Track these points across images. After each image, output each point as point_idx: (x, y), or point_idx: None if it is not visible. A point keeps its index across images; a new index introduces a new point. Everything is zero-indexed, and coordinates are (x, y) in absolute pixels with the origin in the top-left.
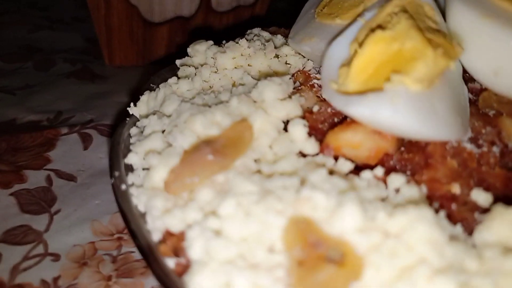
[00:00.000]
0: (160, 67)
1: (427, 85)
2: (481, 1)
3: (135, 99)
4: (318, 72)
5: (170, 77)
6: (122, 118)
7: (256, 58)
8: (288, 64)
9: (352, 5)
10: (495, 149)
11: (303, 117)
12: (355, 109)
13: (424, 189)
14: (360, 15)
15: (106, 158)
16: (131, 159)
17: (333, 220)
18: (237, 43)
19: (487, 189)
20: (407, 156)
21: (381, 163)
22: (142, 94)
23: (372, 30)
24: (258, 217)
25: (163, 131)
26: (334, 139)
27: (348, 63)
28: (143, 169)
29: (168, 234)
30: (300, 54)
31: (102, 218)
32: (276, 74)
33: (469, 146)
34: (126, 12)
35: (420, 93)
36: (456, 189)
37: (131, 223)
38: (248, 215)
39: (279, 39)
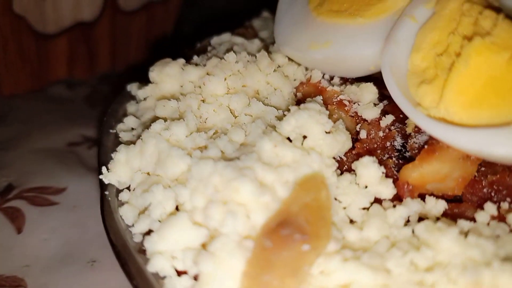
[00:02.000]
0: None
1: None
2: None
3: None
4: (331, 83)
5: (132, 116)
6: (54, 176)
7: (252, 76)
8: (285, 76)
9: None
10: None
11: (352, 148)
12: (465, 141)
13: None
14: (393, 12)
15: (53, 239)
16: (156, 265)
17: None
18: (221, 58)
19: None
20: (495, 178)
21: (470, 192)
22: (103, 148)
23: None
24: None
25: (177, 207)
26: (417, 175)
27: (430, 80)
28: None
29: None
30: (292, 61)
31: None
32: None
33: None
34: (11, 26)
35: None
36: None
37: None
38: None
39: (256, 44)
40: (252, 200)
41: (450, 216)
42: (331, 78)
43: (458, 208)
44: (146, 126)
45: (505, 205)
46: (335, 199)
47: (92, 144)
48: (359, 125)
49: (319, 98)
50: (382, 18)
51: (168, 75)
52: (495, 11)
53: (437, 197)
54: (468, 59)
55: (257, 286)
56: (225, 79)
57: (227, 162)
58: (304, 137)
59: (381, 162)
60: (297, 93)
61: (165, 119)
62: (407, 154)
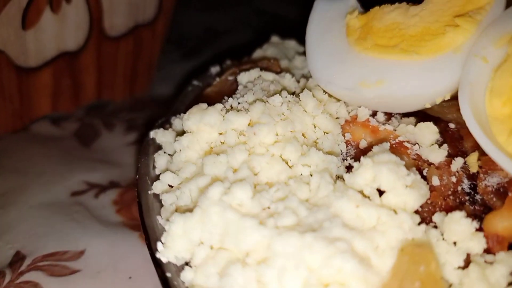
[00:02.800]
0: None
1: None
2: None
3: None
4: (376, 119)
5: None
6: (68, 237)
7: (298, 119)
8: (332, 115)
9: (428, 34)
10: None
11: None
12: None
13: None
14: (452, 48)
15: None
16: None
17: None
18: (266, 101)
19: None
20: None
21: None
22: (148, 214)
23: None
24: None
25: None
26: (507, 225)
27: None
28: None
29: None
30: (331, 96)
31: None
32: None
33: None
34: None
35: None
36: None
37: None
38: None
39: (288, 79)
40: (356, 278)
41: None
42: (374, 113)
43: None
44: (199, 190)
45: None
46: None
47: (98, 191)
48: (426, 170)
49: (387, 145)
50: (440, 55)
51: (208, 125)
52: None
53: None
54: None
55: None
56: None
57: (315, 234)
58: (379, 191)
59: (456, 209)
60: (345, 134)
61: (216, 179)
62: (478, 197)
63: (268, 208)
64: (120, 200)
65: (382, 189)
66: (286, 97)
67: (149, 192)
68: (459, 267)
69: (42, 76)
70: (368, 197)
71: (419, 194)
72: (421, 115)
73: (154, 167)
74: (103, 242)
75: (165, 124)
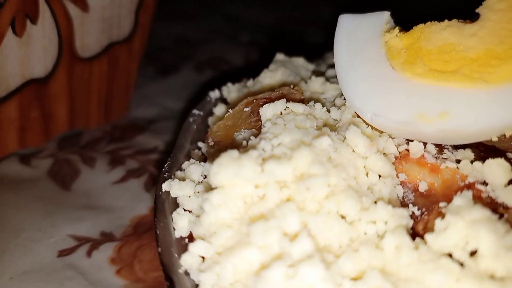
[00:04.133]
0: None
1: None
2: None
3: None
4: (435, 156)
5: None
6: None
7: (352, 163)
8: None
9: (495, 58)
10: None
11: None
12: None
13: None
14: None
15: None
16: None
17: None
18: (309, 144)
19: None
20: None
21: None
22: None
23: None
24: None
25: None
26: None
27: None
28: None
29: None
30: (376, 130)
31: None
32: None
33: None
34: None
35: None
36: None
37: None
38: None
39: (319, 110)
40: None
41: None
42: (424, 144)
43: None
44: (249, 268)
45: None
46: None
47: (89, 247)
48: (506, 216)
49: (469, 194)
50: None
51: (245, 179)
52: None
53: None
54: None
55: None
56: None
57: None
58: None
59: None
60: (398, 174)
61: (265, 250)
62: None
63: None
64: (118, 258)
65: (480, 253)
66: (329, 135)
67: (180, 270)
68: None
69: (6, 109)
70: (461, 264)
71: None
72: (479, 148)
73: (173, 229)
74: None
75: (172, 169)
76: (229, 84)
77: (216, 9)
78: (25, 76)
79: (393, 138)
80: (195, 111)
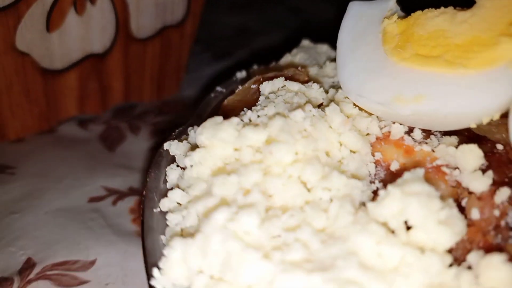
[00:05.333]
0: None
1: None
2: None
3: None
4: (412, 137)
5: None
6: (80, 246)
7: (322, 137)
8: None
9: (478, 45)
10: None
11: None
12: None
13: None
14: (506, 62)
15: None
16: None
17: None
18: (287, 116)
19: None
20: None
21: None
22: (150, 234)
23: None
24: None
25: None
26: None
27: None
28: None
29: None
30: (365, 111)
31: None
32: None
33: None
34: (15, 65)
35: None
36: None
37: None
38: None
39: (316, 90)
40: None
41: None
42: (411, 130)
43: None
44: (205, 213)
45: None
46: None
47: (116, 197)
48: (465, 199)
49: (421, 172)
50: (491, 69)
51: (222, 140)
52: None
53: None
54: None
55: None
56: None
57: (324, 274)
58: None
59: (496, 248)
60: (375, 153)
61: (224, 201)
62: None
63: (279, 236)
64: (137, 209)
65: (410, 224)
66: (310, 111)
67: (155, 210)
68: None
69: (68, 79)
70: (393, 232)
71: (453, 232)
72: (465, 134)
73: (165, 181)
74: (115, 253)
75: (182, 134)
76: (255, 66)
77: (281, 1)
78: (85, 51)
79: (382, 120)
80: (218, 88)
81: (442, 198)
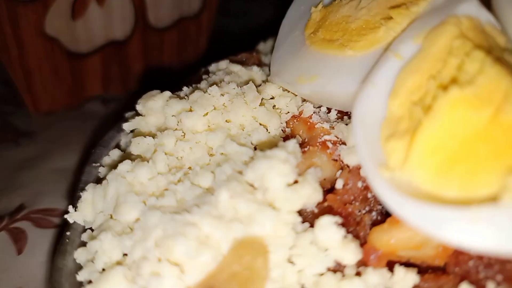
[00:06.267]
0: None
1: None
2: None
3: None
4: (328, 116)
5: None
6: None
7: (236, 110)
8: (278, 109)
9: (366, 28)
10: None
11: (324, 200)
12: (422, 222)
13: None
14: (387, 47)
15: (49, 262)
16: None
17: None
18: (205, 91)
19: None
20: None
21: (454, 262)
22: (80, 183)
23: (432, 80)
24: None
25: (121, 259)
26: (385, 240)
27: (401, 134)
28: None
29: None
30: (288, 91)
31: None
32: (265, 127)
33: None
34: (45, 48)
35: None
36: None
37: None
38: None
39: (256, 72)
40: (187, 261)
41: None
42: (329, 110)
43: (436, 281)
44: (114, 165)
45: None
46: (290, 261)
47: None
48: (340, 171)
49: (293, 142)
50: (372, 51)
51: (151, 109)
52: (485, 50)
53: (416, 266)
54: (439, 115)
55: None
56: (206, 114)
57: (173, 215)
58: None
59: (352, 215)
60: (287, 128)
61: (140, 157)
62: (379, 207)
63: (167, 189)
64: None
65: (265, 185)
66: (234, 88)
67: (94, 164)
68: (320, 274)
69: (92, 62)
70: (256, 189)
71: (298, 195)
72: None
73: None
74: None
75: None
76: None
77: None
78: (107, 37)
79: (307, 101)
80: None
81: (324, 168)
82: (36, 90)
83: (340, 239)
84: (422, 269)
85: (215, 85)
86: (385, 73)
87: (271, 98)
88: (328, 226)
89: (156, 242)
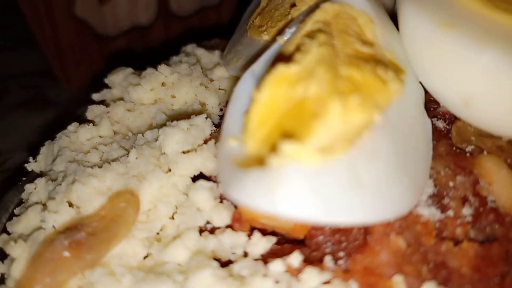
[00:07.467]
0: None
1: (339, 150)
2: (442, 3)
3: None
4: None
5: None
6: None
7: (181, 87)
8: (222, 89)
9: (282, 15)
10: (467, 211)
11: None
12: (232, 191)
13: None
14: (281, 31)
15: None
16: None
17: None
18: (156, 69)
19: (447, 279)
20: (342, 228)
21: (308, 236)
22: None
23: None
24: None
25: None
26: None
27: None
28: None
29: None
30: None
31: None
32: (203, 106)
33: (427, 212)
34: (76, 29)
35: (325, 166)
36: (399, 286)
37: None
38: None
39: (216, 56)
40: (81, 204)
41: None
42: None
43: (282, 251)
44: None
45: (328, 261)
46: (171, 217)
47: None
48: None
49: (202, 117)
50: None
51: (114, 83)
52: (327, 35)
53: (280, 235)
54: (266, 90)
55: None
56: (152, 90)
57: (86, 168)
58: None
59: None
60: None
61: (93, 122)
62: None
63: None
64: None
65: (164, 150)
66: (185, 68)
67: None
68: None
69: (119, 43)
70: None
71: (192, 162)
72: None
73: None
74: None
75: None
76: None
77: None
78: (132, 22)
79: None
80: None
81: None
82: (68, 67)
83: (211, 201)
84: (288, 240)
85: (164, 65)
86: (267, 54)
87: (218, 80)
88: (202, 188)
89: (63, 189)
